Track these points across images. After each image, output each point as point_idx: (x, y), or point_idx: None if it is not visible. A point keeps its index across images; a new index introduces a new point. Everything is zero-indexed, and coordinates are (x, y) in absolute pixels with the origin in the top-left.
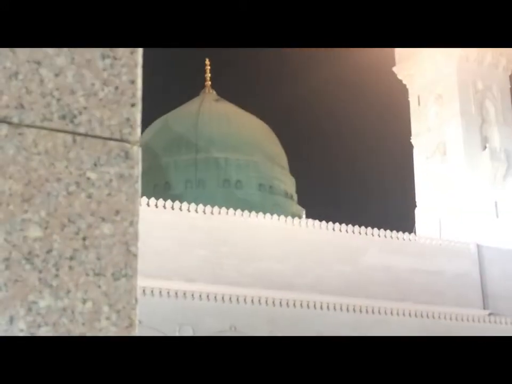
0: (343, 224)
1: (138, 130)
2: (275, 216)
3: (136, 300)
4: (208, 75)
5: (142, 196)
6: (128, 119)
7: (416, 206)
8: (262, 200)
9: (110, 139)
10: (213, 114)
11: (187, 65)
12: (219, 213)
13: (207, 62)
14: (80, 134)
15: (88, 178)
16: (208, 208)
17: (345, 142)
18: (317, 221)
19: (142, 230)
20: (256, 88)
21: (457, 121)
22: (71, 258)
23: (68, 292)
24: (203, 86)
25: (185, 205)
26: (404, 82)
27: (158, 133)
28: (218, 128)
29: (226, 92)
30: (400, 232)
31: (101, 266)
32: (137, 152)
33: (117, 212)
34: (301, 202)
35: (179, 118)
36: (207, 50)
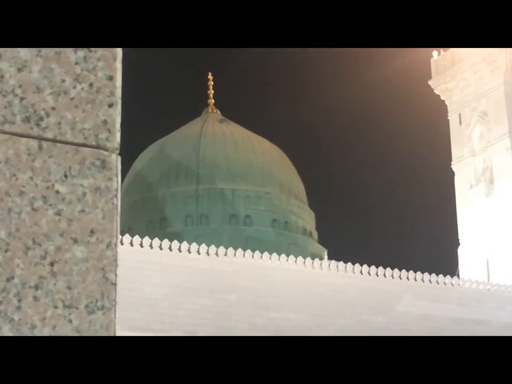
0: (373, 267)
1: (117, 135)
2: (291, 257)
3: None
4: (211, 92)
5: (134, 235)
6: (105, 122)
7: (459, 245)
8: (276, 239)
9: (84, 145)
10: (217, 137)
11: (187, 80)
12: (225, 254)
13: (210, 76)
14: (47, 140)
15: (57, 192)
16: (213, 248)
17: (374, 169)
18: (341, 263)
19: (134, 275)
20: (268, 107)
21: (505, 144)
22: (36, 287)
23: (33, 327)
24: (205, 105)
25: (185, 244)
26: (442, 98)
27: (153, 159)
28: (223, 153)
29: (232, 111)
30: (441, 276)
31: (73, 297)
32: (115, 161)
33: (92, 232)
34: (322, 240)
35: (177, 142)
36: (209, 63)
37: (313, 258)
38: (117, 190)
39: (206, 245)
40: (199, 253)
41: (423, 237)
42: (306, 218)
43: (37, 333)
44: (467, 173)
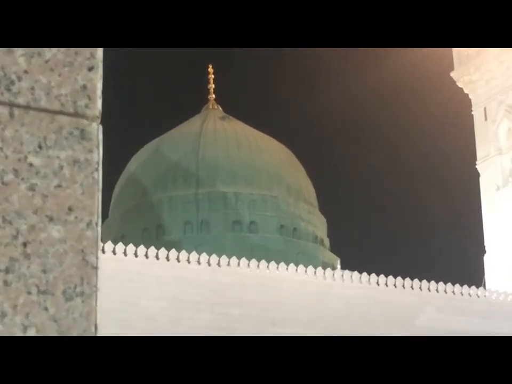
0: (390, 277)
1: (99, 102)
2: (301, 267)
3: (96, 328)
4: (211, 86)
5: (127, 244)
6: (84, 87)
7: (485, 252)
8: (283, 247)
9: (60, 113)
10: (218, 136)
11: (185, 73)
12: (228, 264)
13: (210, 69)
14: (19, 106)
15: (31, 165)
16: (214, 258)
17: (391, 170)
18: (355, 273)
19: (128, 288)
20: (274, 102)
21: None
22: (7, 270)
23: (3, 315)
24: (206, 100)
25: (184, 254)
26: (466, 91)
27: (148, 161)
28: (225, 154)
29: (235, 107)
30: (465, 286)
31: (48, 281)
32: (96, 130)
33: (70, 210)
34: (334, 248)
35: (175, 142)
36: (210, 55)
37: (324, 268)
38: (98, 163)
39: (207, 254)
40: (199, 263)
41: (445, 244)
42: (317, 224)
43: (7, 321)
44: (493, 173)
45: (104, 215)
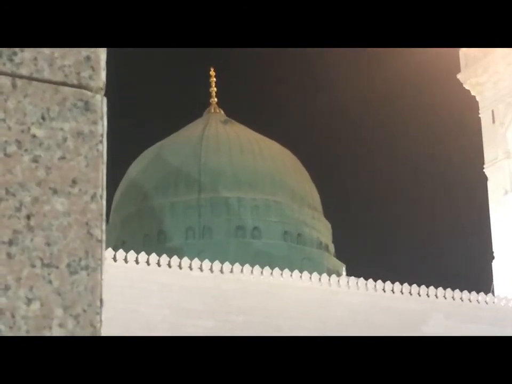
0: (397, 283)
1: (103, 74)
2: (305, 273)
3: (101, 302)
4: (213, 89)
5: (128, 250)
6: (88, 58)
7: (493, 258)
8: (288, 253)
9: (64, 84)
10: (220, 140)
11: (186, 76)
12: (231, 270)
13: (212, 72)
14: (22, 77)
15: (34, 136)
16: (217, 264)
17: (397, 174)
18: (361, 279)
19: (129, 295)
20: (278, 106)
21: None
22: (11, 243)
23: (6, 288)
24: (207, 104)
25: (186, 260)
26: (473, 93)
27: (149, 166)
28: (228, 158)
29: (238, 110)
30: (473, 293)
31: (52, 254)
32: (101, 102)
33: (74, 182)
34: (339, 254)
35: (176, 147)
36: (212, 58)
37: (329, 275)
38: (102, 135)
39: (210, 260)
40: (201, 270)
41: (453, 249)
42: (322, 230)
43: (11, 294)
44: (501, 177)
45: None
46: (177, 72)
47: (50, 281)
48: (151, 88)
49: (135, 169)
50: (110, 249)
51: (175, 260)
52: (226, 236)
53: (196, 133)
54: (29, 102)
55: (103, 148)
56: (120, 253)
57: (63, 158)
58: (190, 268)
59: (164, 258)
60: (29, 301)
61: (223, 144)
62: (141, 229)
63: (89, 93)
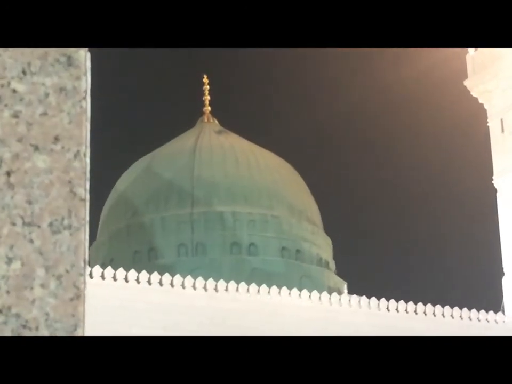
0: (401, 302)
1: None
2: (305, 292)
3: (85, 262)
4: (207, 97)
5: (117, 268)
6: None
7: (503, 274)
8: (286, 271)
9: None
10: (214, 151)
11: (178, 83)
12: (226, 289)
13: (205, 79)
14: None
15: (14, 91)
16: (211, 282)
17: (402, 186)
18: (363, 298)
19: (119, 315)
20: (276, 115)
21: None
22: None
23: None
24: (200, 113)
25: (178, 279)
26: (480, 101)
27: (139, 179)
28: (222, 170)
29: (233, 120)
30: (482, 311)
31: (33, 213)
32: (84, 58)
33: (56, 139)
34: (340, 272)
35: (168, 158)
36: (205, 65)
37: (330, 293)
38: (86, 91)
39: (203, 279)
40: (194, 289)
41: (460, 265)
42: (322, 246)
43: None
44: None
45: (92, 238)
46: (170, 80)
47: (31, 240)
48: (141, 95)
49: (124, 182)
50: (97, 266)
51: (166, 278)
52: (221, 252)
53: (189, 144)
54: (9, 56)
55: (87, 104)
56: (109, 271)
57: (44, 114)
58: (183, 286)
59: (155, 276)
60: (9, 260)
61: (217, 155)
62: (131, 245)
63: (72, 48)
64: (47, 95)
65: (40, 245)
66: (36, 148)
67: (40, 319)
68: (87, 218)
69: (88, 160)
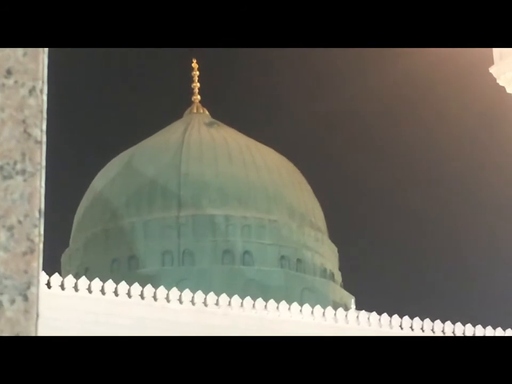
0: (416, 319)
1: None
2: (306, 307)
3: (41, 213)
4: (196, 85)
5: (92, 278)
6: None
7: None
8: (285, 283)
9: None
10: (205, 146)
11: (162, 69)
12: (217, 303)
13: (195, 64)
14: None
15: None
16: (200, 295)
17: (418, 186)
18: (373, 314)
19: (94, 332)
20: (275, 105)
21: None
22: None
23: None
24: (189, 102)
25: (162, 291)
26: (508, 90)
27: (118, 177)
28: (213, 168)
29: (225, 110)
30: (509, 330)
31: None
32: None
33: (8, 73)
34: (347, 284)
35: (151, 154)
36: (193, 52)
37: (335, 308)
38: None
39: (191, 291)
40: (181, 302)
41: (483, 279)
42: (327, 255)
43: None
44: None
45: (65, 244)
46: (152, 64)
47: None
48: (120, 83)
49: (101, 181)
50: (70, 276)
51: (149, 290)
52: (211, 261)
53: (175, 138)
54: None
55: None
56: (83, 281)
57: None
58: (167, 299)
59: (136, 288)
60: None
61: (207, 150)
62: (108, 252)
63: None
64: None
65: None
66: None
67: None
68: (43, 163)
69: (45, 97)
